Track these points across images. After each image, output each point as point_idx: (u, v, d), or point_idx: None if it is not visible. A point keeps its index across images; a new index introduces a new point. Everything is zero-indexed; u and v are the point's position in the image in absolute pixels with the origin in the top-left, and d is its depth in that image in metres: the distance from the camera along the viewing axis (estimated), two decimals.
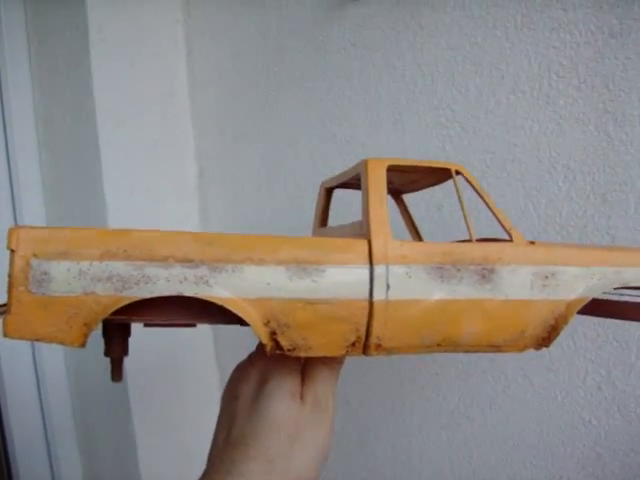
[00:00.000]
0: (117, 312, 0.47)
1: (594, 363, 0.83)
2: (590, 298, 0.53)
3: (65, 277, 0.45)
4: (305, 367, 0.57)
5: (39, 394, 1.39)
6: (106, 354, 0.54)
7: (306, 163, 1.09)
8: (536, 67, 0.84)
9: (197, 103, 1.22)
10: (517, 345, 0.53)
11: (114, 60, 1.12)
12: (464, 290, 0.51)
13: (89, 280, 0.45)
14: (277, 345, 0.48)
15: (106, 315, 0.45)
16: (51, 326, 0.45)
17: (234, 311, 0.46)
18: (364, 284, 0.50)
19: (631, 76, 0.78)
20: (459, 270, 0.51)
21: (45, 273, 0.45)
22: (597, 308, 0.59)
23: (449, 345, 0.52)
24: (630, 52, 0.78)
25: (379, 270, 0.50)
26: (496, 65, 0.87)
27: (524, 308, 0.52)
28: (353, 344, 0.50)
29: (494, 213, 0.56)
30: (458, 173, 0.58)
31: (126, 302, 0.45)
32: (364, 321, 0.49)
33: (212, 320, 0.50)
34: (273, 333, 0.48)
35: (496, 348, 0.52)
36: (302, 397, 0.54)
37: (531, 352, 0.87)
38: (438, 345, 0.51)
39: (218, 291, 0.47)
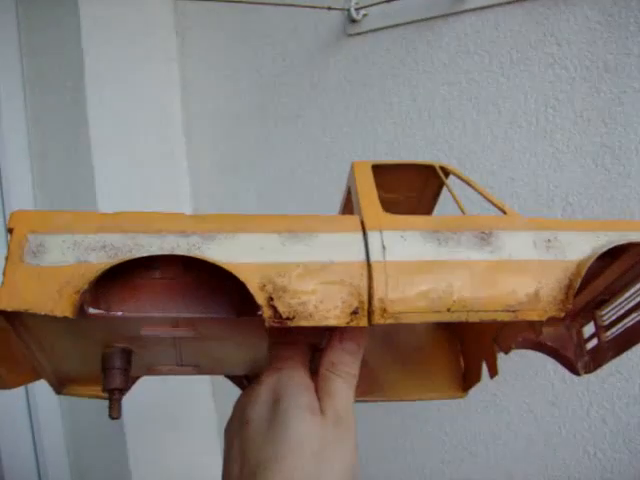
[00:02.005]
0: (111, 305, 0.46)
1: (598, 395, 0.83)
2: (599, 254, 0.49)
3: (60, 248, 0.45)
4: (319, 382, 0.52)
5: (32, 436, 1.36)
6: (104, 387, 0.51)
7: (303, 199, 1.08)
8: (532, 102, 0.85)
9: (192, 140, 1.22)
10: (535, 309, 0.48)
11: (109, 97, 1.11)
12: (464, 252, 0.49)
13: (83, 250, 0.45)
14: (275, 313, 0.45)
15: (96, 279, 0.44)
16: (42, 295, 0.44)
17: (228, 269, 0.45)
18: (359, 247, 0.48)
19: (627, 110, 0.79)
20: (456, 234, 0.49)
21: (41, 245, 0.45)
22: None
23: (460, 309, 0.47)
24: (625, 86, 0.79)
25: (373, 235, 0.49)
26: (493, 100, 0.88)
27: (531, 267, 0.49)
28: (356, 311, 0.46)
29: (485, 196, 0.55)
30: (443, 169, 0.58)
31: (116, 263, 0.44)
32: (364, 284, 0.47)
33: (208, 310, 0.49)
34: (270, 299, 0.45)
35: (513, 313, 0.48)
36: (322, 412, 0.50)
37: (534, 385, 0.88)
38: (449, 310, 0.47)
39: (211, 254, 0.46)
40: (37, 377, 0.58)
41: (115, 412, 0.52)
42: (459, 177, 0.58)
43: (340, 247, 0.48)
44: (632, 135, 0.79)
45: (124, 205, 1.08)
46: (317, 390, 0.51)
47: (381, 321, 0.46)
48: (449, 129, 0.92)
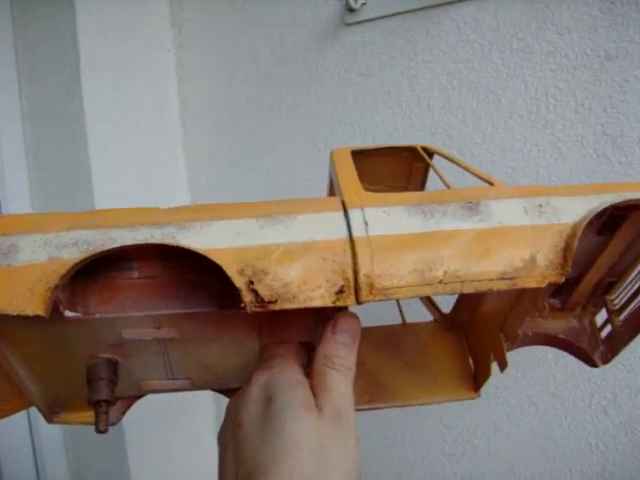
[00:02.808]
0: (89, 308, 0.45)
1: (600, 387, 0.82)
2: (595, 214, 0.46)
3: (31, 247, 0.44)
4: (313, 378, 0.49)
5: (31, 435, 1.35)
6: (90, 400, 0.49)
7: (301, 190, 1.08)
8: (533, 91, 0.84)
9: (189, 132, 1.21)
10: (533, 275, 0.45)
11: (105, 90, 1.10)
12: (451, 222, 0.46)
13: (54, 247, 0.44)
14: (257, 297, 0.42)
15: (69, 275, 0.43)
16: (12, 295, 0.42)
17: (203, 254, 0.43)
18: (340, 224, 0.46)
19: (629, 98, 0.78)
20: (442, 205, 0.47)
21: (12, 245, 0.44)
22: None
23: (454, 280, 0.45)
24: (627, 74, 0.78)
25: (354, 212, 0.47)
26: (493, 90, 0.87)
27: (525, 233, 0.46)
28: (342, 290, 0.44)
29: (471, 171, 0.54)
30: (425, 149, 0.57)
31: (89, 257, 0.43)
32: (348, 260, 0.44)
33: (190, 306, 0.47)
34: (250, 283, 0.43)
35: (510, 281, 0.45)
36: (319, 408, 0.46)
37: (535, 376, 0.87)
38: (441, 282, 0.44)
39: (186, 242, 0.44)
40: (26, 405, 0.56)
41: (102, 425, 0.50)
42: (443, 155, 0.56)
43: (320, 226, 0.46)
44: (634, 124, 0.78)
45: (121, 198, 1.08)
46: (312, 387, 0.48)
47: (370, 298, 0.44)
48: (449, 119, 0.91)
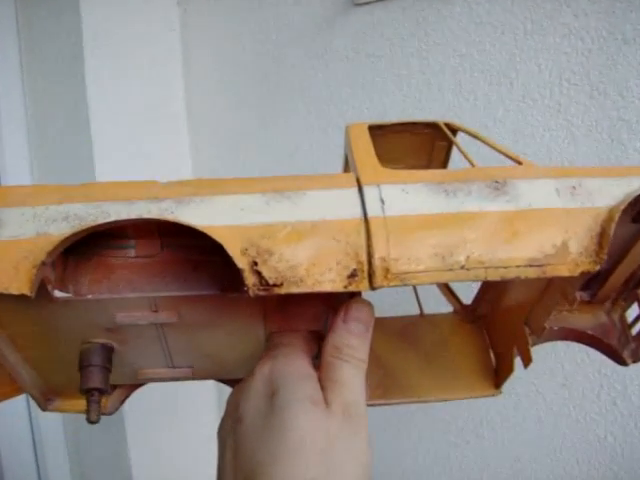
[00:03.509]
0: (81, 288, 0.43)
1: (609, 378, 0.81)
2: (633, 197, 0.42)
3: (18, 221, 0.41)
4: (322, 370, 0.45)
5: (32, 434, 1.35)
6: (81, 387, 0.47)
7: (307, 174, 1.06)
8: (547, 74, 0.82)
9: (194, 114, 1.19)
10: (565, 262, 0.41)
11: (108, 69, 1.09)
12: (476, 203, 0.42)
13: (43, 222, 0.41)
14: (261, 280, 0.39)
15: (57, 251, 0.40)
16: None
17: (202, 231, 0.39)
18: (354, 202, 0.42)
19: None
20: (466, 184, 0.43)
21: None
22: None
23: (477, 266, 0.41)
24: None
25: (370, 189, 0.43)
26: (505, 72, 0.85)
27: (556, 216, 0.42)
28: (354, 274, 0.40)
29: (497, 149, 0.51)
30: (449, 126, 0.54)
31: (79, 232, 0.40)
32: (362, 242, 0.41)
33: (189, 288, 0.45)
34: (253, 264, 0.39)
35: (539, 268, 0.41)
36: (327, 403, 0.43)
37: (543, 366, 0.86)
38: (463, 268, 0.41)
39: (185, 218, 0.40)
40: (18, 392, 0.54)
41: (93, 415, 0.48)
42: (467, 132, 0.53)
43: (332, 204, 0.42)
44: None
45: (123, 179, 1.06)
46: (321, 380, 0.45)
47: (384, 284, 0.40)
48: (459, 102, 0.89)
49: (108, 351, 0.48)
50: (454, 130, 0.57)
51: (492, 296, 0.60)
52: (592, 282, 0.53)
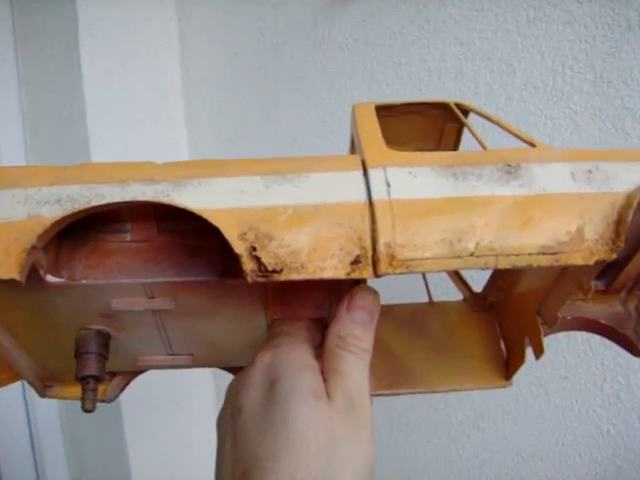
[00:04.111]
0: (75, 273, 0.42)
1: (612, 370, 0.80)
2: None
3: (9, 203, 0.40)
4: (325, 360, 0.44)
5: (30, 433, 1.34)
6: (77, 375, 0.46)
7: None
8: (549, 62, 0.81)
9: (191, 103, 1.18)
10: (579, 250, 0.39)
11: (105, 58, 1.08)
12: (487, 187, 0.41)
13: (35, 204, 0.40)
14: (260, 266, 0.38)
15: (49, 235, 0.39)
16: None
17: (199, 214, 0.38)
18: (359, 185, 0.41)
19: None
20: (477, 167, 0.42)
21: None
22: None
23: (487, 253, 0.39)
24: None
25: (375, 172, 0.42)
26: (507, 60, 0.84)
27: (571, 201, 0.40)
28: (358, 260, 0.39)
29: (510, 130, 0.49)
30: (459, 106, 0.53)
31: (71, 214, 0.39)
32: (366, 227, 0.39)
33: (186, 274, 0.43)
34: (252, 249, 0.38)
35: (552, 256, 0.39)
36: (329, 395, 0.41)
37: (545, 358, 0.85)
38: (472, 255, 0.39)
39: (181, 201, 0.39)
40: (16, 378, 0.53)
41: (89, 404, 0.47)
42: (479, 114, 0.52)
43: (335, 187, 0.41)
44: None
45: None
46: (323, 371, 0.43)
47: (389, 271, 0.39)
48: (461, 90, 0.88)
49: (104, 338, 0.47)
50: (465, 111, 0.56)
51: (503, 284, 0.58)
52: (607, 271, 0.51)
